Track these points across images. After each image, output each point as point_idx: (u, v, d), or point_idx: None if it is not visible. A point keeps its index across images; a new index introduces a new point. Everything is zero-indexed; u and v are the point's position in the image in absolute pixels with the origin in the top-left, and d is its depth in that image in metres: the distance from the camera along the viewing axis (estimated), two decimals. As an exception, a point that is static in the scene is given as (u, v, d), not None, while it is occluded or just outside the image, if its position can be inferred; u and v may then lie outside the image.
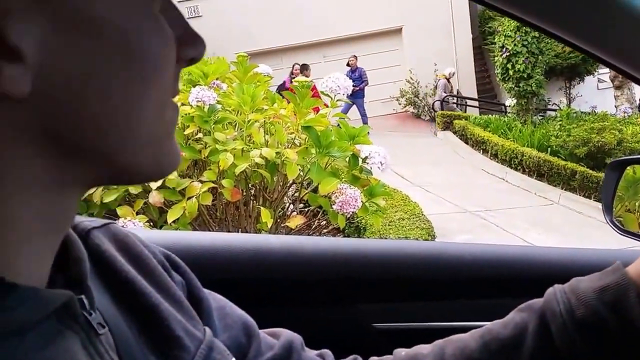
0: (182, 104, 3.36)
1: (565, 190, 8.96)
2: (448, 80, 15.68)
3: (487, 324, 0.74)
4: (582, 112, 11.74)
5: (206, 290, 0.69)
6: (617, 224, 1.12)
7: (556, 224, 7.73)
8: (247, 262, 1.09)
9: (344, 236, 5.75)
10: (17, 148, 0.36)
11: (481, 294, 1.13)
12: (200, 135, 3.41)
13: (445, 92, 15.65)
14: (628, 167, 1.15)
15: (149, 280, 0.58)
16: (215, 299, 0.70)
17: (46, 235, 0.41)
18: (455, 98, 16.18)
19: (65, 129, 0.38)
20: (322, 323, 1.12)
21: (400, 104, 17.55)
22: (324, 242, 1.21)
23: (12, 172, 0.37)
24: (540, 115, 13.12)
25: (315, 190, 3.45)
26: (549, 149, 10.15)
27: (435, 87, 16.04)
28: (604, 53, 0.69)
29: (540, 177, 9.64)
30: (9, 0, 0.33)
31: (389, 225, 5.53)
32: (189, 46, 0.46)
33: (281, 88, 11.48)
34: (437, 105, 15.96)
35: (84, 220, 0.58)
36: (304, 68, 12.31)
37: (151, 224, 3.26)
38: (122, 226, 2.08)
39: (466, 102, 16.20)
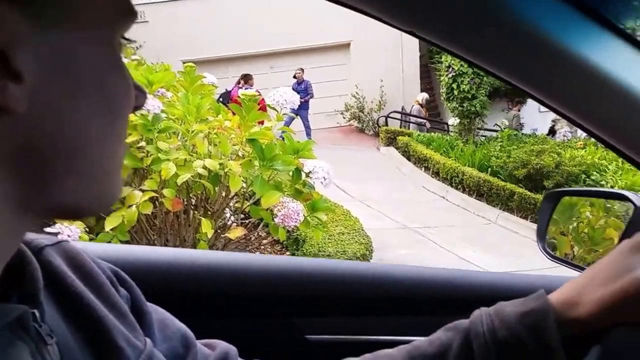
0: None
1: (503, 210, 9.17)
2: (422, 105, 15.87)
3: (414, 339, 0.78)
4: (522, 134, 12.06)
5: (149, 304, 0.73)
6: (549, 250, 1.20)
7: (492, 242, 7.92)
8: (187, 276, 1.14)
9: (283, 248, 5.76)
10: None
11: (410, 312, 1.19)
12: (143, 143, 3.37)
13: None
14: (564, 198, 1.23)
15: (97, 294, 0.63)
16: (157, 312, 0.75)
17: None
18: (408, 116, 16.42)
19: (39, 152, 0.42)
20: (259, 335, 1.16)
21: (344, 117, 17.70)
22: (260, 258, 1.27)
23: None
24: (482, 136, 13.42)
25: (257, 202, 3.44)
26: (489, 169, 10.38)
27: (409, 112, 16.25)
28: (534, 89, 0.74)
29: (479, 197, 9.84)
30: (15, 33, 0.39)
31: (328, 239, 5.55)
32: (137, 95, 0.52)
33: (225, 96, 11.40)
34: (382, 120, 16.18)
35: (39, 238, 0.62)
36: (248, 77, 12.29)
37: (88, 230, 3.19)
38: (59, 232, 2.08)
39: (410, 119, 16.44)
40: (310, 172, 3.31)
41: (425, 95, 16.10)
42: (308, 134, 14.09)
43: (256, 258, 1.26)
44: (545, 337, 0.65)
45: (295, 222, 3.22)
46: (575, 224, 1.34)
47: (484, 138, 13.00)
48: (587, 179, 8.90)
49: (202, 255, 1.20)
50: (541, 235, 1.20)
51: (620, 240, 0.74)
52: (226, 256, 1.23)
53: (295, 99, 3.43)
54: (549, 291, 0.71)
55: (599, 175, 8.71)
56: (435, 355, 0.73)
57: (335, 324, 1.18)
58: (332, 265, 1.23)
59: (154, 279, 1.10)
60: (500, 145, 10.85)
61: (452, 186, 10.59)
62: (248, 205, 3.65)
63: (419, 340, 0.76)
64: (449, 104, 12.74)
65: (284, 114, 3.47)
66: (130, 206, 3.09)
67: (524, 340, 0.66)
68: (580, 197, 1.34)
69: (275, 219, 3.25)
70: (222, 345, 0.80)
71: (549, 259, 1.20)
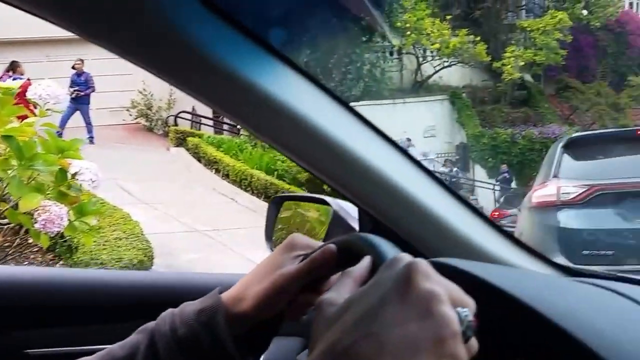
0: None
1: (289, 212, 9.45)
2: None
3: None
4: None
5: None
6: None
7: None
8: None
9: (56, 256, 5.35)
10: None
11: (128, 318, 1.15)
12: None
13: None
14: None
15: None
16: None
17: None
18: (192, 116, 16.18)
19: None
20: None
21: (131, 115, 17.00)
22: None
23: None
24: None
25: (17, 206, 3.11)
26: (276, 172, 10.69)
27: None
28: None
29: (267, 199, 10.04)
30: None
31: (103, 245, 5.24)
32: None
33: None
34: (172, 120, 15.85)
35: None
36: (15, 65, 11.42)
37: None
38: None
39: (200, 120, 16.27)
40: (76, 173, 3.04)
41: None
42: (90, 131, 13.38)
43: None
44: (217, 332, 0.70)
45: (59, 227, 2.97)
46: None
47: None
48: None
49: None
50: (269, 237, 1.30)
51: (325, 239, 0.83)
52: None
53: (61, 94, 3.14)
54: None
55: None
56: (125, 357, 0.74)
57: (58, 335, 1.14)
58: (56, 274, 1.24)
59: None
60: (286, 150, 11.21)
61: (241, 188, 10.75)
62: (7, 209, 3.29)
63: (115, 344, 0.77)
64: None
65: (48, 110, 3.14)
66: None
67: (200, 337, 0.71)
68: (297, 202, 1.51)
69: (35, 224, 2.95)
70: None
71: None
